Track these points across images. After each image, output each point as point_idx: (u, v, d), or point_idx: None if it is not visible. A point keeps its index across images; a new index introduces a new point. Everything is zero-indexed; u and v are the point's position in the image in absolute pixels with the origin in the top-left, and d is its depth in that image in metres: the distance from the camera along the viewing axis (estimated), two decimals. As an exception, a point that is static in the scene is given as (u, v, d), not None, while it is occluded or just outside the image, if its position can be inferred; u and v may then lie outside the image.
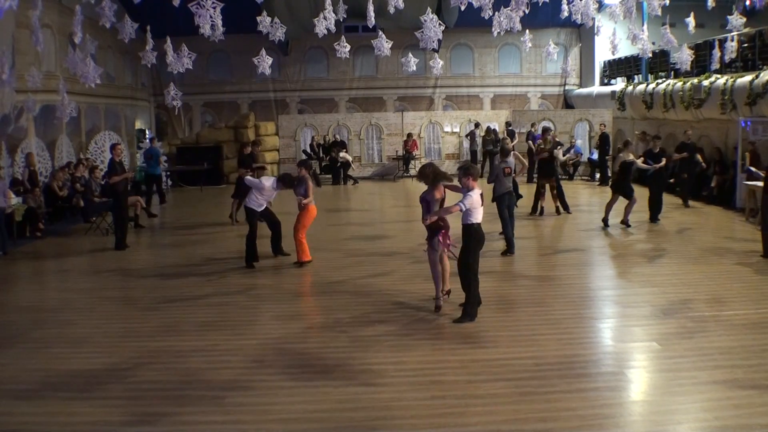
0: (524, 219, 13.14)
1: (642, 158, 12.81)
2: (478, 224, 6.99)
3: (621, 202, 12.26)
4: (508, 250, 10.23)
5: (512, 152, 11.14)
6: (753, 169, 12.85)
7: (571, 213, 13.87)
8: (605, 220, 12.35)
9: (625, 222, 12.26)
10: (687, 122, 16.98)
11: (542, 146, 14.09)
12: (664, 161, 12.96)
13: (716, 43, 14.63)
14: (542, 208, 13.77)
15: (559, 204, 13.88)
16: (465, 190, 7.01)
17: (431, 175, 7.42)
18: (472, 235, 6.97)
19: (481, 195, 7.07)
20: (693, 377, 5.50)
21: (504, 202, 10.43)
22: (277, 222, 10.34)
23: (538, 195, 13.74)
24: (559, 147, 16.17)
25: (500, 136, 19.60)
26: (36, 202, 12.91)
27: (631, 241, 11.29)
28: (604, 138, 18.89)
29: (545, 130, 15.07)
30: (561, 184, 14.34)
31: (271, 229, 10.32)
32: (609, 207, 12.42)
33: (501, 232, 10.58)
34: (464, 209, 6.86)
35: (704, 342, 6.30)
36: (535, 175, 14.78)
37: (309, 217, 9.75)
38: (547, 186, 13.75)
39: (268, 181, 9.89)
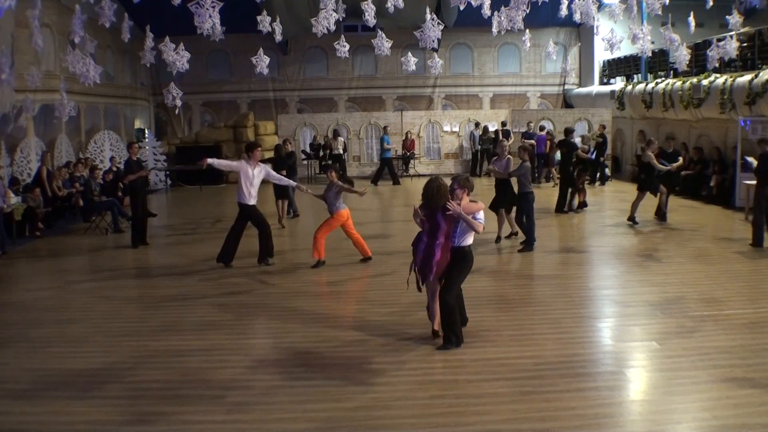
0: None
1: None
2: (470, 246, 6.34)
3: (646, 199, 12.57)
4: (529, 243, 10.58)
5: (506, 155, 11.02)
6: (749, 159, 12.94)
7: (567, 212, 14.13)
8: (632, 218, 12.53)
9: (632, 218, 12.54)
10: (686, 122, 17.00)
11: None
12: (681, 161, 13.16)
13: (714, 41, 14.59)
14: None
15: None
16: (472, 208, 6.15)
17: (433, 198, 6.12)
18: (467, 258, 6.33)
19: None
20: (692, 376, 5.51)
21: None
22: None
23: (577, 191, 14.17)
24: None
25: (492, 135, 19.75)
26: (35, 202, 12.91)
27: (630, 241, 11.29)
28: (601, 138, 18.89)
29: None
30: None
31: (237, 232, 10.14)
32: (635, 205, 12.58)
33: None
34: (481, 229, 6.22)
35: (703, 341, 6.31)
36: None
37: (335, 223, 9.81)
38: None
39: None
